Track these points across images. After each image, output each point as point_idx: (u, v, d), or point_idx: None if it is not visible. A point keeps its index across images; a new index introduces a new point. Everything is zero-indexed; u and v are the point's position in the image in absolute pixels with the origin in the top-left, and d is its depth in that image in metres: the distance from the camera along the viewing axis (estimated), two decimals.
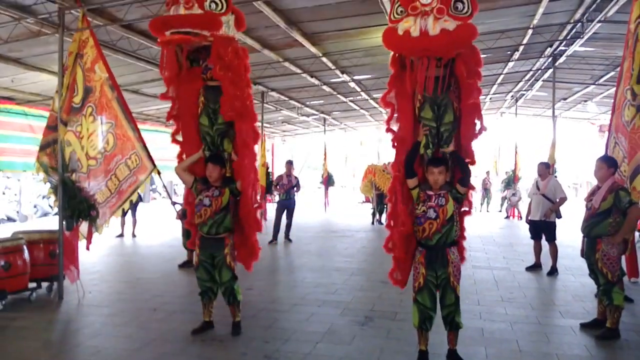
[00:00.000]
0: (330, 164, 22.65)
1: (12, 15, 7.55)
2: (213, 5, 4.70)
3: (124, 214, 11.72)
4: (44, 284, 6.84)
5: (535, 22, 10.33)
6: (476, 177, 16.13)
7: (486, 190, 20.30)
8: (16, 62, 10.07)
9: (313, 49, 11.12)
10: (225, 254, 4.98)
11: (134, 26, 8.84)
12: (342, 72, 13.76)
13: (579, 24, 10.66)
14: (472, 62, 4.07)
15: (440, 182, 4.15)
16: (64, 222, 6.56)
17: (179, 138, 5.29)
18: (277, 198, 12.67)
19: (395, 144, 4.40)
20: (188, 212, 5.36)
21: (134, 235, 12.40)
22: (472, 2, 3.87)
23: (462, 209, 4.36)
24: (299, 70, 13.13)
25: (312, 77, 14.06)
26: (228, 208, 4.97)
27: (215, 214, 4.89)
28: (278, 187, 11.73)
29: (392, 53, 4.28)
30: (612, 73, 13.83)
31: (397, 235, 4.31)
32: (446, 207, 4.12)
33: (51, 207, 18.73)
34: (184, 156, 5.26)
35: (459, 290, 4.23)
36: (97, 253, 9.04)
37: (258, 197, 5.48)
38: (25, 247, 6.47)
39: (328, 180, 21.68)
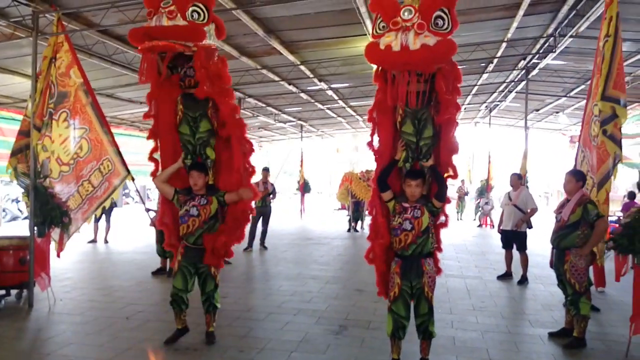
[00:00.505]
0: (306, 170, 22.69)
1: None
2: (195, 15, 4.62)
3: (97, 219, 11.65)
4: (13, 292, 6.68)
5: (509, 35, 10.60)
6: (452, 185, 16.34)
7: (461, 199, 20.58)
8: None
9: (291, 57, 11.19)
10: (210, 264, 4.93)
11: (110, 31, 8.79)
12: (320, 80, 13.86)
13: (552, 38, 10.97)
14: (452, 77, 4.17)
15: (417, 194, 4.24)
16: (35, 229, 6.44)
17: (157, 156, 5.18)
18: (252, 205, 12.63)
19: (376, 158, 4.47)
20: (164, 229, 5.25)
21: (106, 241, 12.23)
22: (452, 19, 3.96)
23: (439, 222, 4.45)
24: (277, 78, 13.19)
25: (289, 84, 14.13)
26: (217, 217, 4.92)
27: (204, 223, 4.82)
28: None
29: (374, 67, 4.37)
30: (583, 86, 14.23)
31: (378, 247, 4.40)
32: (421, 219, 4.21)
33: (20, 211, 18.36)
34: (160, 168, 5.16)
35: (433, 300, 4.32)
36: (68, 259, 8.89)
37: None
38: None
39: (304, 187, 21.71)
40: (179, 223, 4.95)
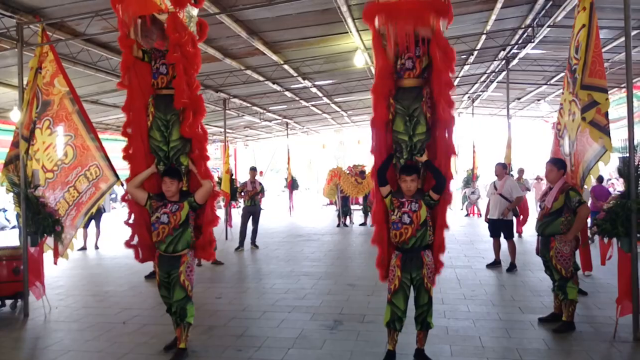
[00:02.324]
0: (293, 167, 22.72)
1: None
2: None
3: (86, 226, 11.61)
4: (8, 302, 6.72)
5: (488, 27, 10.76)
6: None
7: None
8: None
9: (274, 57, 11.26)
10: (180, 272, 4.71)
11: (94, 39, 8.82)
12: (304, 79, 13.94)
13: (530, 28, 11.14)
14: (442, 44, 4.25)
15: (413, 189, 4.33)
16: (28, 238, 6.45)
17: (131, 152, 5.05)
18: (241, 204, 12.74)
19: (372, 154, 4.56)
20: (133, 231, 5.05)
21: (97, 247, 12.21)
22: None
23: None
24: (261, 78, 13.24)
25: (274, 83, 14.18)
26: (187, 222, 4.74)
27: (174, 230, 4.65)
28: (243, 194, 11.75)
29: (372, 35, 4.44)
30: (562, 74, 14.38)
31: (385, 231, 4.52)
32: (419, 213, 4.30)
33: (7, 220, 18.21)
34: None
35: (432, 292, 4.43)
36: (60, 267, 8.83)
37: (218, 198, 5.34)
38: None
39: (292, 184, 21.75)
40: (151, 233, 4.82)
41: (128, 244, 5.07)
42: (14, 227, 16.76)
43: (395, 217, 4.34)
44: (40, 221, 6.33)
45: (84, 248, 11.99)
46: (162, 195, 4.76)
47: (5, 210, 18.40)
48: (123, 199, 5.13)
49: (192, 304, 4.79)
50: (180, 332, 4.79)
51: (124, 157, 5.00)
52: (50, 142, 6.76)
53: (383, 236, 4.53)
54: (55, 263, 6.79)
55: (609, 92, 6.20)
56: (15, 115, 7.37)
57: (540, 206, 5.70)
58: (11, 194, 6.91)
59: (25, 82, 6.74)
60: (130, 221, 5.02)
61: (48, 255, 6.72)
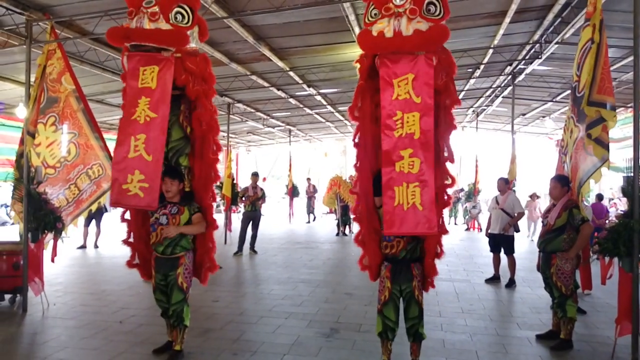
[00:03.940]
0: (295, 174, 22.72)
1: None
2: (179, 17, 4.41)
3: (87, 224, 11.62)
4: (7, 296, 6.77)
5: (495, 42, 10.77)
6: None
7: (453, 204, 20.62)
8: None
9: (280, 63, 11.28)
10: (178, 274, 4.61)
11: (102, 39, 8.87)
12: (309, 86, 13.96)
13: (538, 44, 11.14)
14: (446, 65, 4.20)
15: None
16: (29, 234, 6.46)
17: None
18: (242, 209, 12.75)
19: (358, 163, 4.49)
20: (133, 249, 4.97)
21: (96, 246, 12.20)
22: (444, 5, 4.01)
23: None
24: (266, 84, 13.26)
25: (278, 90, 14.20)
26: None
27: None
28: (244, 199, 11.74)
29: (360, 59, 4.33)
30: (569, 91, 14.40)
31: (368, 234, 4.49)
32: None
33: (9, 216, 18.24)
34: None
35: (422, 304, 4.39)
36: (60, 264, 8.89)
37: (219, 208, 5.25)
38: None
39: (293, 191, 21.74)
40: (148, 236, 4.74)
41: (130, 264, 5.00)
42: (13, 223, 16.80)
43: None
44: (41, 217, 6.35)
45: (83, 246, 11.99)
46: (162, 196, 4.67)
47: (7, 206, 18.44)
48: (122, 219, 4.99)
49: (188, 306, 4.75)
50: (177, 334, 4.74)
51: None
52: (54, 139, 6.80)
53: (365, 238, 4.48)
54: (53, 261, 6.79)
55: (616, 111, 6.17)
56: (21, 111, 7.43)
57: (543, 222, 5.67)
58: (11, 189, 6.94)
59: (32, 79, 6.76)
60: (130, 239, 4.95)
61: (47, 252, 6.74)
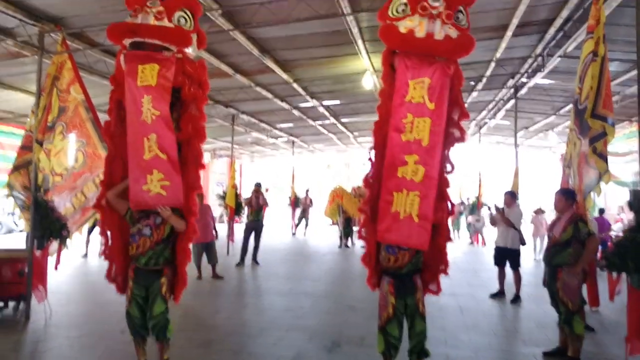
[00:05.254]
0: (298, 186, 22.68)
1: None
2: (182, 21, 4.42)
3: (89, 232, 11.62)
4: (11, 304, 6.83)
5: (498, 55, 10.77)
6: None
7: (455, 217, 20.51)
8: None
9: (284, 75, 11.30)
10: (162, 283, 4.41)
11: (111, 50, 8.98)
12: (312, 98, 13.97)
13: (540, 57, 11.13)
14: (458, 75, 4.14)
15: None
16: (34, 241, 6.50)
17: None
18: (244, 219, 12.75)
19: (370, 181, 4.38)
20: (111, 262, 4.72)
21: (100, 255, 12.15)
22: (467, 18, 4.02)
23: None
24: (270, 95, 13.29)
25: (282, 101, 14.23)
26: (169, 239, 4.49)
27: (156, 245, 4.39)
28: (247, 207, 11.84)
29: (383, 53, 4.24)
30: (571, 105, 14.38)
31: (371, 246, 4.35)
32: None
33: (16, 224, 18.35)
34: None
35: (425, 317, 4.31)
36: (63, 273, 8.88)
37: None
38: None
39: (295, 203, 21.69)
40: (126, 248, 4.53)
41: (109, 277, 4.76)
42: (21, 230, 16.89)
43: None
44: (47, 225, 6.39)
45: (85, 255, 11.96)
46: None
47: (14, 214, 18.52)
48: (97, 206, 4.71)
49: (170, 319, 4.49)
50: (162, 347, 4.49)
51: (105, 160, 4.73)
52: (61, 147, 6.88)
53: (372, 257, 4.36)
54: (56, 269, 6.86)
55: (620, 125, 6.15)
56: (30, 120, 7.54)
57: (548, 236, 5.61)
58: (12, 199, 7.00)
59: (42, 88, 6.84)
60: (106, 251, 4.73)
61: (51, 260, 6.79)
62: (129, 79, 4.38)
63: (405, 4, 3.93)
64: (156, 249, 4.40)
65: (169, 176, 4.34)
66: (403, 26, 3.89)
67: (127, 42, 4.43)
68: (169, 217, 4.41)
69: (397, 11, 3.96)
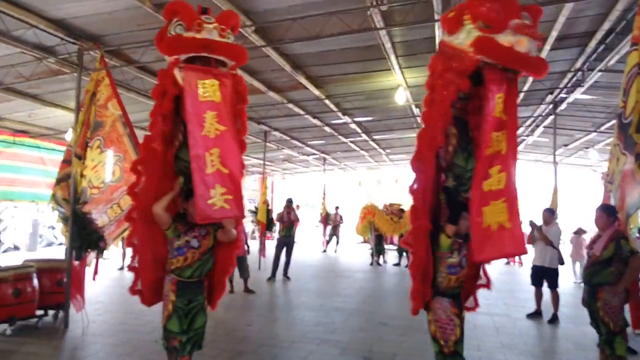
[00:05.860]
0: (329, 203, 22.64)
1: (35, 55, 8.09)
2: (231, 37, 4.42)
3: (125, 245, 11.87)
4: (50, 312, 7.07)
5: None
6: None
7: None
8: (34, 98, 10.70)
9: (316, 92, 11.34)
10: (204, 297, 4.51)
11: (148, 67, 9.21)
12: (344, 114, 13.95)
13: (580, 72, 10.86)
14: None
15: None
16: (73, 252, 6.69)
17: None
18: (276, 235, 12.78)
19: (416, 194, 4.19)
20: (137, 275, 4.67)
21: (127, 268, 12.39)
22: None
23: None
24: (302, 112, 13.34)
25: (314, 118, 14.26)
26: (212, 250, 4.53)
27: (202, 255, 4.42)
28: (279, 223, 11.94)
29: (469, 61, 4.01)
30: (614, 121, 13.93)
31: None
32: (467, 254, 4.12)
33: (55, 237, 18.86)
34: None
35: None
36: (100, 284, 9.16)
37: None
38: (34, 275, 6.64)
39: (326, 219, 21.63)
40: (159, 260, 4.51)
41: (133, 290, 4.74)
42: (60, 243, 17.33)
43: (455, 260, 4.11)
44: (85, 236, 6.55)
45: (122, 268, 12.18)
46: (181, 217, 4.49)
47: (53, 228, 19.05)
48: (127, 218, 4.65)
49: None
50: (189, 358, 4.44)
51: (132, 169, 4.62)
52: (99, 161, 7.06)
53: (428, 273, 4.13)
54: (94, 279, 7.06)
55: None
56: (69, 136, 7.80)
57: (588, 254, 5.40)
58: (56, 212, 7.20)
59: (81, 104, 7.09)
60: (135, 264, 4.68)
61: (89, 270, 7.01)
62: (188, 94, 4.30)
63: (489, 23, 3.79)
64: (203, 259, 4.43)
65: (231, 191, 4.30)
66: (503, 40, 3.73)
67: (183, 57, 4.36)
68: (230, 230, 4.49)
69: (485, 25, 3.81)
